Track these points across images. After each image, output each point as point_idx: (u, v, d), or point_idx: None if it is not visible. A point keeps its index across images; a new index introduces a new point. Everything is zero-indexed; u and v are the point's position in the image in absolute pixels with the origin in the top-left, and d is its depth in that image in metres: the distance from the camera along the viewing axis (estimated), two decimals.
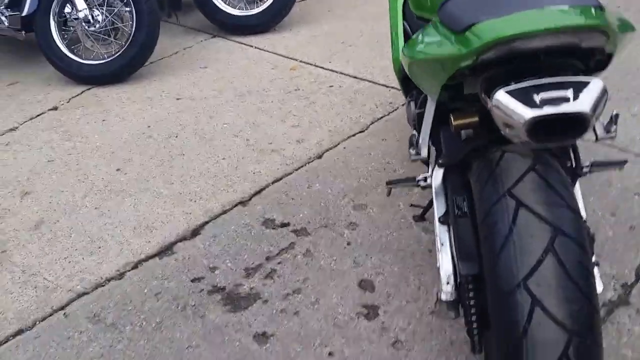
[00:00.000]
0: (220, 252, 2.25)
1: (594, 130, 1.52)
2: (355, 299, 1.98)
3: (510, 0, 1.15)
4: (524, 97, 1.09)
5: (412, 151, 1.55)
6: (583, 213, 1.41)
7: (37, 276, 2.24)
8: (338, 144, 2.78)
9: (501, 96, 1.13)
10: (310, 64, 3.51)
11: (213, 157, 2.79)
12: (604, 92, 1.07)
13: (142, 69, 3.56)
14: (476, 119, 1.43)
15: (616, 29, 1.14)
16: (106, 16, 3.45)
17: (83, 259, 2.30)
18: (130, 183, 2.68)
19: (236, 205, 2.48)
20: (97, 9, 3.43)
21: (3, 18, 3.57)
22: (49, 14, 3.44)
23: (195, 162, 2.77)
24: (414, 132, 1.58)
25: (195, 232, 2.38)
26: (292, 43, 3.78)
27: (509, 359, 1.19)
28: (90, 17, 3.41)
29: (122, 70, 3.48)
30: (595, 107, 1.06)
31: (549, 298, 1.16)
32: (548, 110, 1.05)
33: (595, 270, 1.33)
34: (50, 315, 2.08)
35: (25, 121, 3.25)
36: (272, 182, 2.59)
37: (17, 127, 3.21)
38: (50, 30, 3.45)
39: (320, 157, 2.71)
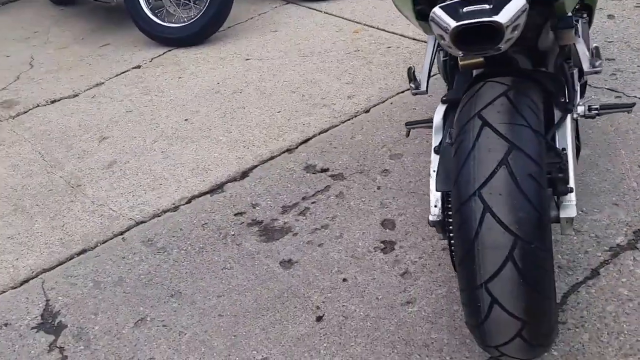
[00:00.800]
0: (263, 191, 2.46)
1: (580, 63, 1.57)
2: (376, 235, 2.12)
3: None
4: (453, 10, 1.19)
5: (412, 85, 1.66)
6: (567, 144, 1.47)
7: (104, 207, 2.55)
8: (386, 99, 2.89)
9: (436, 11, 1.23)
10: (373, 27, 3.62)
11: (270, 110, 3.00)
12: (524, 9, 1.15)
13: (218, 33, 3.83)
14: (481, 59, 1.52)
15: None
16: None
17: (145, 193, 2.59)
18: (195, 131, 2.95)
19: (283, 152, 2.67)
20: None
21: None
22: None
23: (254, 115, 2.99)
24: (412, 65, 1.68)
25: (244, 174, 2.60)
26: (358, 7, 3.90)
27: (463, 261, 1.30)
28: None
29: (200, 33, 3.76)
30: (512, 20, 1.14)
31: (498, 205, 1.25)
32: (468, 20, 1.15)
33: (571, 196, 1.40)
34: (111, 239, 2.38)
35: (111, 77, 3.62)
36: (319, 133, 2.75)
37: (103, 82, 3.58)
38: None
39: (367, 111, 2.84)
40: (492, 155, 1.29)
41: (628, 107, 1.80)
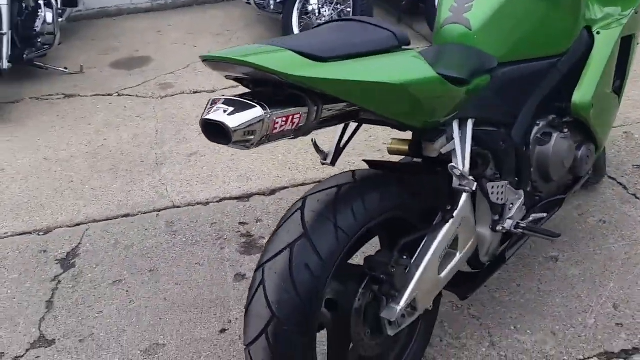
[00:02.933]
0: (274, 210, 2.75)
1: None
2: None
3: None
4: (212, 105, 1.30)
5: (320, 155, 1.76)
6: (421, 260, 1.55)
7: (163, 186, 3.08)
8: None
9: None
10: None
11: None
12: (258, 118, 1.21)
13: None
14: (406, 147, 1.65)
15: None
16: (332, 11, 4.12)
17: (196, 185, 3.05)
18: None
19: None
20: (326, 6, 4.14)
21: (271, 2, 4.54)
22: (294, 5, 4.26)
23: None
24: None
25: (272, 192, 2.91)
26: None
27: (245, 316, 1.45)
28: (318, 11, 4.13)
29: None
30: (238, 125, 1.20)
31: (270, 282, 1.39)
32: (206, 116, 1.26)
33: (398, 302, 1.50)
34: (149, 212, 2.88)
35: None
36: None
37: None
38: (292, 17, 4.28)
39: None
40: (287, 237, 1.41)
41: (553, 235, 1.75)
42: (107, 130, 3.77)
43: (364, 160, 1.67)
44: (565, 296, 2.10)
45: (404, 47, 1.43)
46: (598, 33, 1.98)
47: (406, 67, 1.38)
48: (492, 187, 1.71)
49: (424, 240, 1.62)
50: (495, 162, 1.76)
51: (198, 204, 2.91)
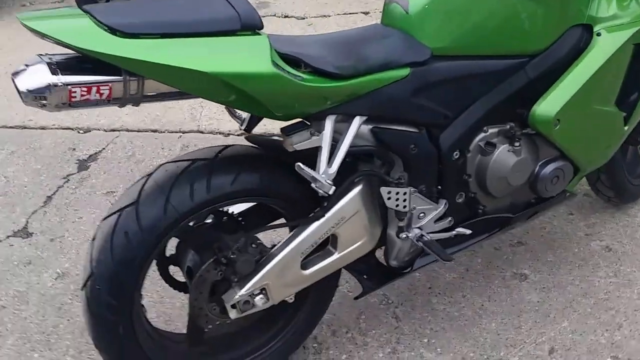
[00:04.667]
0: None
1: None
2: None
3: None
4: (36, 59, 1.20)
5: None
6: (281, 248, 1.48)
7: (202, 109, 3.15)
8: None
9: None
10: None
11: None
12: (46, 86, 1.14)
13: None
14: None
15: None
16: None
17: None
18: None
19: None
20: None
21: None
22: None
23: None
24: None
25: None
26: None
27: None
28: None
29: None
30: (27, 90, 1.15)
31: (98, 240, 1.36)
32: (15, 70, 1.20)
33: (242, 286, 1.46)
34: (176, 132, 2.99)
35: None
36: None
37: None
38: None
39: None
40: (124, 201, 1.38)
41: (444, 259, 1.56)
42: None
43: (245, 137, 1.56)
44: (504, 322, 1.86)
45: (257, 30, 1.28)
46: (599, 34, 1.61)
47: (231, 55, 1.23)
48: (389, 192, 1.52)
49: (291, 234, 1.52)
50: (404, 165, 1.56)
51: (220, 133, 2.95)
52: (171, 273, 1.61)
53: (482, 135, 1.61)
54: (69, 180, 2.69)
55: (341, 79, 1.36)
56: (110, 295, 1.38)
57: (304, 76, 1.32)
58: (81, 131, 3.07)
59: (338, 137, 1.44)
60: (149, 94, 1.27)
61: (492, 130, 1.62)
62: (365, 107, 1.43)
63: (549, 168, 1.69)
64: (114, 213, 1.38)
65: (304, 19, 4.09)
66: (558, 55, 1.59)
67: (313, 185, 1.39)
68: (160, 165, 1.45)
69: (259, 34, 1.28)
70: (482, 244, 2.07)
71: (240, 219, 1.56)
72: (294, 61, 1.34)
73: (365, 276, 1.71)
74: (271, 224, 1.54)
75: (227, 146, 1.49)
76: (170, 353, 1.60)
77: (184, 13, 1.24)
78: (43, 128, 3.10)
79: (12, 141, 2.99)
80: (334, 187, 1.40)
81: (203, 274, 1.48)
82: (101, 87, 1.21)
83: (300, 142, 1.40)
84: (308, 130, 1.41)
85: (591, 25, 1.60)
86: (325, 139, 1.40)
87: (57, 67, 1.17)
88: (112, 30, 1.15)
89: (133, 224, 1.35)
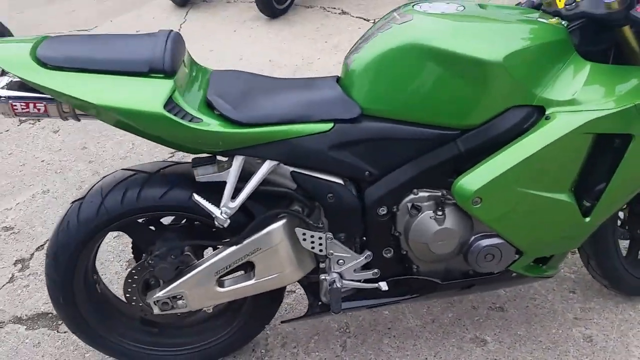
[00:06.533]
0: None
1: None
2: None
3: None
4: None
5: None
6: None
7: None
8: None
9: None
10: None
11: None
12: None
13: None
14: None
15: None
16: None
17: None
18: None
19: None
20: None
21: None
22: None
23: None
24: None
25: None
26: None
27: None
28: None
29: None
30: None
31: (61, 219, 1.70)
32: None
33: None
34: None
35: None
36: None
37: None
38: None
39: None
40: (83, 194, 1.68)
41: (333, 309, 1.70)
42: None
43: (192, 159, 1.75)
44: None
45: (167, 75, 1.45)
46: (547, 118, 1.52)
47: (127, 93, 1.42)
48: (304, 233, 1.63)
49: (213, 253, 1.69)
50: (324, 212, 1.64)
51: None
52: None
53: (411, 196, 1.63)
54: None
55: (241, 126, 1.49)
56: (53, 270, 1.69)
57: (206, 120, 1.47)
58: None
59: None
60: (82, 113, 1.52)
61: (423, 193, 1.63)
62: (278, 153, 1.55)
63: (482, 243, 1.66)
64: (74, 202, 1.68)
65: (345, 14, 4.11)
66: (493, 133, 1.55)
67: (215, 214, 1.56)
68: (118, 170, 1.72)
69: (167, 79, 1.46)
70: (461, 298, 2.09)
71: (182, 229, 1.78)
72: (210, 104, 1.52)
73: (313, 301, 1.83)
74: (193, 242, 1.73)
75: (174, 163, 1.71)
76: (116, 325, 1.88)
77: (106, 52, 1.47)
78: None
79: None
80: (229, 221, 1.55)
81: (133, 270, 1.73)
82: (37, 104, 1.50)
83: (204, 175, 1.57)
84: (216, 165, 1.57)
85: (543, 107, 1.52)
86: (231, 176, 1.56)
87: (8, 83, 1.48)
88: (42, 62, 1.42)
89: (74, 217, 1.65)
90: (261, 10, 4.92)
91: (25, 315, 2.22)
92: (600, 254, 1.91)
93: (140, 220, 1.73)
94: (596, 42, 1.64)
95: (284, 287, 1.84)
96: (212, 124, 1.48)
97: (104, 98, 1.42)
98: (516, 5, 1.81)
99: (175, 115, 1.43)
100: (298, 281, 1.77)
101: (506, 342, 1.98)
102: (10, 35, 3.95)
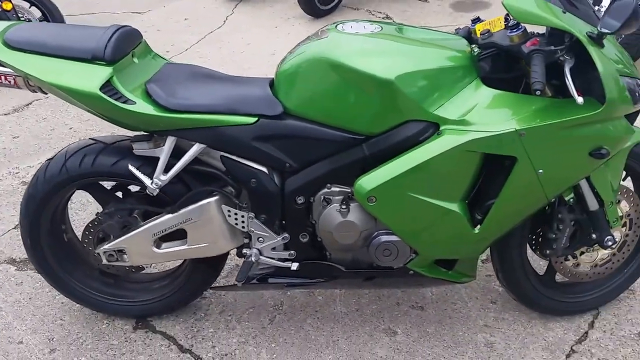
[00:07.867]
0: None
1: None
2: None
3: None
4: None
5: None
6: None
7: None
8: None
9: None
10: None
11: None
12: None
13: None
14: None
15: None
16: None
17: None
18: None
19: None
20: None
21: None
22: None
23: None
24: None
25: None
26: None
27: None
28: None
29: None
30: None
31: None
32: None
33: None
34: None
35: None
36: None
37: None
38: None
39: None
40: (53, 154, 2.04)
41: (237, 278, 1.97)
42: None
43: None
44: None
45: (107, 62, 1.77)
46: (438, 134, 1.72)
47: (68, 74, 1.76)
48: (228, 210, 1.90)
49: (156, 216, 1.98)
50: (248, 194, 1.90)
51: None
52: None
53: (325, 190, 1.87)
54: None
55: (169, 111, 1.78)
56: (23, 217, 2.04)
57: (139, 103, 1.78)
58: None
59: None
60: None
61: (335, 188, 1.87)
62: (205, 138, 1.83)
63: (382, 239, 1.87)
64: (46, 160, 2.02)
65: None
66: (392, 141, 1.77)
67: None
68: (86, 138, 2.04)
69: (108, 66, 1.77)
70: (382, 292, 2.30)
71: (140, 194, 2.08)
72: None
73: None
74: (140, 206, 2.02)
75: (128, 138, 2.00)
76: (78, 271, 2.21)
77: (60, 39, 1.83)
78: None
79: None
80: (158, 190, 1.85)
81: (90, 224, 2.05)
82: (7, 77, 1.87)
83: (139, 149, 1.88)
84: (152, 141, 1.87)
85: (438, 124, 1.72)
86: (163, 152, 1.85)
87: None
88: (7, 44, 1.78)
89: (42, 173, 1.98)
90: (304, 10, 5.19)
91: (19, 259, 2.59)
92: (505, 267, 2.06)
93: (109, 187, 2.08)
94: (507, 70, 1.84)
95: (224, 258, 2.12)
96: (143, 107, 1.78)
97: (50, 77, 1.77)
98: (455, 30, 2.01)
99: (110, 97, 1.74)
100: (238, 255, 2.04)
101: (413, 336, 2.17)
102: (60, 15, 4.43)
